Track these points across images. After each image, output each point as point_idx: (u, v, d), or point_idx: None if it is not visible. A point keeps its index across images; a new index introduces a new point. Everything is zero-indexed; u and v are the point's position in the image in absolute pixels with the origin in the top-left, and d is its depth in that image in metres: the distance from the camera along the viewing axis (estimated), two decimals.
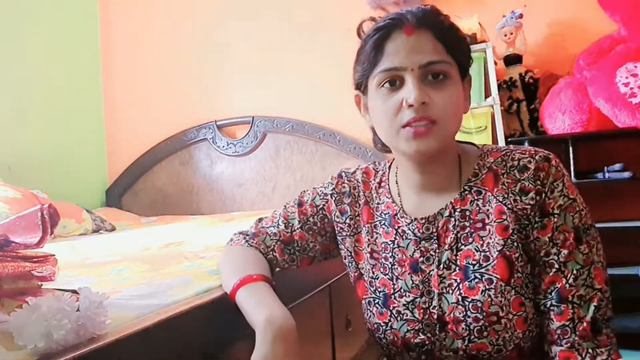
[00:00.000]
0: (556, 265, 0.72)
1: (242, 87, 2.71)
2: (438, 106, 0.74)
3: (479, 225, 0.77)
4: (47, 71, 2.63)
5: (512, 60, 2.15)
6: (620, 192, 2.08)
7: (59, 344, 0.57)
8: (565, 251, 0.72)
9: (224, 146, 2.66)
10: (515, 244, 0.74)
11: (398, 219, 0.84)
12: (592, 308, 0.71)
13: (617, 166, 1.95)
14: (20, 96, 2.47)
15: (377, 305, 0.84)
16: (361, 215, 0.90)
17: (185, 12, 2.83)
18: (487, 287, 0.74)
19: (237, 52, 2.72)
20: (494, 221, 0.76)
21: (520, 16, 2.11)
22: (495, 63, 2.06)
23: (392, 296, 0.82)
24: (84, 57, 2.89)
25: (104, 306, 0.63)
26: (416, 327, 0.79)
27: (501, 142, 1.98)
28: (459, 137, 0.85)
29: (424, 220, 0.81)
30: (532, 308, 0.74)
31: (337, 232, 0.93)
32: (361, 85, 0.82)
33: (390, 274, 0.83)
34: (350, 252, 0.91)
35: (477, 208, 0.78)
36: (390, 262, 0.84)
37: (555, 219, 0.73)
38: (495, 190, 0.77)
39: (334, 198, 0.93)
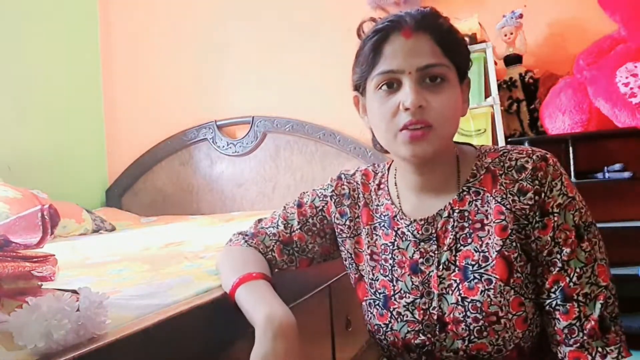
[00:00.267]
0: (559, 264, 0.72)
1: (242, 87, 2.71)
2: (435, 110, 0.74)
3: (478, 225, 0.77)
4: (47, 71, 2.63)
5: (512, 60, 2.15)
6: (620, 192, 2.08)
7: (59, 344, 0.57)
8: (567, 249, 0.72)
9: (224, 146, 2.66)
10: (514, 244, 0.74)
11: (397, 220, 0.84)
12: (598, 306, 0.71)
13: (617, 166, 1.95)
14: (20, 96, 2.47)
15: (377, 306, 0.84)
16: (361, 217, 0.90)
17: (185, 12, 2.83)
18: (486, 287, 0.74)
19: (237, 52, 2.72)
20: (493, 221, 0.76)
21: (520, 16, 2.11)
22: (495, 63, 2.06)
23: (393, 297, 0.82)
24: (84, 57, 2.89)
25: (104, 306, 0.63)
26: (416, 328, 0.79)
27: (501, 142, 1.98)
28: (458, 139, 0.85)
29: (423, 222, 0.81)
30: (532, 308, 0.74)
31: (337, 234, 0.93)
32: (359, 87, 0.82)
33: (390, 276, 0.83)
34: (351, 254, 0.91)
35: (476, 209, 0.78)
36: (390, 264, 0.84)
37: (556, 218, 0.73)
38: (494, 190, 0.77)
39: (333, 200, 0.93)
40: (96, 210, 2.42)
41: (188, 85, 2.82)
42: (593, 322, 0.70)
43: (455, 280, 0.77)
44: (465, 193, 0.79)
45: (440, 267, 0.79)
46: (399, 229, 0.84)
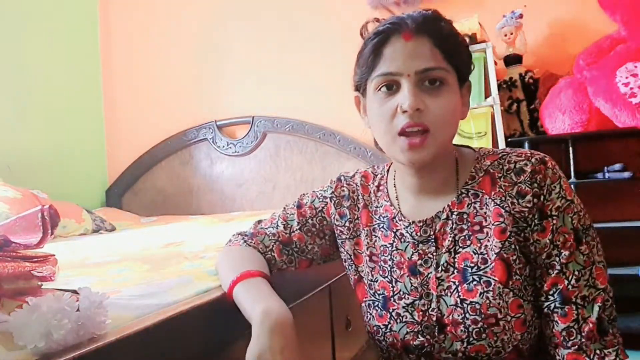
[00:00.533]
0: (557, 267, 0.72)
1: (242, 87, 2.71)
2: (433, 113, 0.74)
3: (477, 228, 0.78)
4: (47, 71, 2.63)
5: (512, 60, 2.15)
6: (620, 192, 2.08)
7: (59, 344, 0.57)
8: (565, 252, 0.72)
9: (224, 146, 2.66)
10: (513, 246, 0.74)
11: (396, 222, 0.85)
12: (596, 308, 0.71)
13: (617, 166, 1.95)
14: (20, 96, 2.47)
15: (376, 307, 0.84)
16: (360, 218, 0.90)
17: (185, 12, 2.83)
18: (485, 289, 0.74)
19: (237, 52, 2.72)
20: (492, 224, 0.76)
21: (520, 16, 2.11)
22: (495, 63, 2.06)
23: (392, 299, 0.82)
24: (84, 57, 2.89)
25: (104, 306, 0.63)
26: (415, 330, 0.79)
27: (501, 143, 1.98)
28: (458, 141, 0.85)
29: (421, 223, 0.81)
30: (530, 310, 0.75)
31: (336, 235, 0.94)
32: (360, 88, 0.83)
33: (389, 277, 0.84)
34: (350, 255, 0.91)
35: (475, 211, 0.78)
36: (389, 265, 0.84)
37: (554, 221, 0.73)
38: (493, 193, 0.77)
39: (333, 201, 0.93)
40: (96, 210, 2.42)
41: (188, 85, 2.82)
42: (591, 325, 0.71)
43: (454, 282, 0.77)
44: (464, 195, 0.80)
45: (439, 268, 0.79)
46: (397, 230, 0.84)
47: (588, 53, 2.01)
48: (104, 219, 2.25)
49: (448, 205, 0.80)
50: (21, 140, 2.46)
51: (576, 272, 0.72)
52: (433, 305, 0.78)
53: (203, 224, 2.09)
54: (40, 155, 2.53)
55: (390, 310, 0.82)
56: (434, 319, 0.78)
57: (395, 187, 0.88)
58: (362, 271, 0.89)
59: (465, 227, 0.78)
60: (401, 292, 0.82)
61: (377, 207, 0.89)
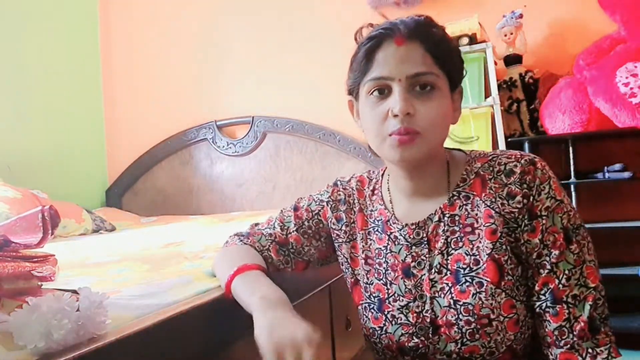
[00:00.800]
0: (548, 267, 0.73)
1: (242, 87, 2.71)
2: (423, 117, 0.75)
3: (469, 229, 0.78)
4: (47, 71, 2.63)
5: (512, 60, 2.15)
6: (620, 192, 2.08)
7: (59, 344, 0.57)
8: (556, 252, 0.73)
9: (224, 146, 2.66)
10: (504, 247, 0.75)
11: (390, 225, 0.86)
12: (587, 307, 0.71)
13: (617, 166, 1.95)
14: (20, 96, 2.47)
15: (372, 310, 0.85)
16: (356, 222, 0.91)
17: (185, 12, 2.83)
18: (477, 290, 0.75)
19: (237, 52, 2.72)
20: (483, 225, 0.77)
21: (520, 16, 2.11)
22: (495, 63, 2.06)
23: (387, 301, 0.83)
24: (84, 57, 2.89)
25: (104, 306, 0.63)
26: (410, 331, 0.80)
27: (501, 143, 1.98)
28: (450, 145, 0.86)
29: (414, 226, 0.82)
30: (523, 310, 0.75)
31: (333, 238, 0.95)
32: (353, 92, 0.84)
33: (384, 279, 0.85)
34: (347, 259, 0.92)
35: (466, 213, 0.79)
36: (384, 268, 0.85)
37: (544, 221, 0.74)
38: (483, 195, 0.78)
39: (329, 205, 0.94)
40: (96, 210, 2.42)
41: (188, 85, 2.82)
42: (582, 324, 0.71)
43: (447, 284, 0.78)
44: (455, 197, 0.81)
45: (432, 270, 0.80)
46: (391, 233, 0.85)
47: (588, 53, 2.01)
48: (104, 219, 2.25)
49: (440, 208, 0.81)
50: (21, 140, 2.46)
51: (567, 272, 0.72)
52: (427, 306, 0.79)
53: (203, 224, 2.09)
54: (40, 155, 2.53)
55: (386, 313, 0.83)
56: (428, 320, 0.79)
57: (389, 190, 0.89)
58: (359, 274, 0.90)
59: (457, 229, 0.79)
60: (396, 294, 0.82)
61: (372, 210, 0.90)
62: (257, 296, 0.73)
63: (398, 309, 0.82)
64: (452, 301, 0.77)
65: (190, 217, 2.45)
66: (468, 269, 0.77)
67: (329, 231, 0.95)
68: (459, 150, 0.87)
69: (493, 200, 0.76)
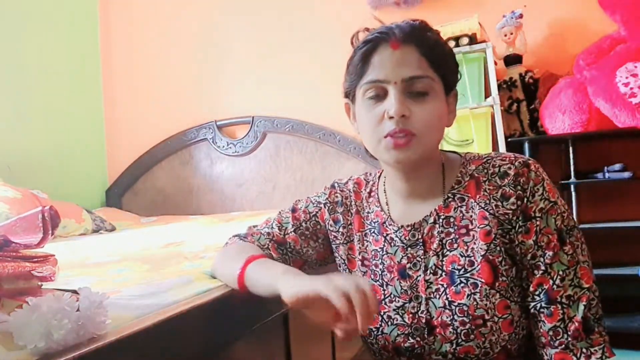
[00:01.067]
0: (542, 267, 0.74)
1: (242, 87, 2.71)
2: (418, 120, 0.76)
3: (463, 231, 0.79)
4: (47, 71, 2.62)
5: (512, 60, 2.15)
6: (620, 192, 2.08)
7: (59, 344, 0.57)
8: (550, 253, 0.74)
9: (224, 146, 2.66)
10: (499, 248, 0.76)
11: (386, 226, 0.86)
12: (581, 307, 0.72)
13: (617, 166, 1.95)
14: (20, 96, 2.47)
15: None
16: (353, 224, 0.92)
17: (185, 12, 2.83)
18: (472, 291, 0.76)
19: (237, 52, 2.72)
20: (478, 227, 0.78)
21: (520, 16, 2.10)
22: (495, 63, 2.06)
23: (383, 301, 0.84)
24: (84, 57, 2.89)
25: (104, 306, 0.64)
26: (406, 332, 0.81)
27: (501, 143, 1.98)
28: (445, 148, 0.88)
29: (410, 227, 0.83)
30: (517, 311, 0.76)
31: (331, 240, 0.95)
32: (349, 95, 0.85)
33: (380, 280, 0.85)
34: (344, 260, 0.93)
35: (461, 214, 0.80)
36: (380, 269, 0.86)
37: (538, 222, 0.74)
38: (478, 196, 0.79)
39: (327, 207, 0.95)
40: (96, 210, 2.42)
41: (188, 85, 2.82)
42: (577, 324, 0.72)
43: (442, 285, 0.79)
44: (450, 199, 0.82)
45: (428, 271, 0.81)
46: (387, 234, 0.86)
47: (588, 53, 2.01)
48: (104, 219, 2.25)
49: (435, 210, 0.82)
50: (21, 140, 2.46)
51: (560, 272, 0.73)
52: (422, 307, 0.80)
53: (203, 224, 2.09)
54: (40, 155, 2.53)
55: (382, 313, 0.84)
56: (424, 321, 0.80)
57: (385, 192, 0.90)
58: (355, 276, 0.90)
59: (452, 230, 0.80)
60: (392, 295, 0.83)
61: (368, 212, 0.91)
62: (280, 270, 0.75)
63: (394, 310, 0.82)
64: (447, 302, 0.78)
65: (190, 217, 2.45)
66: (463, 270, 0.78)
67: (326, 233, 0.95)
68: (454, 152, 0.88)
69: (487, 202, 0.77)
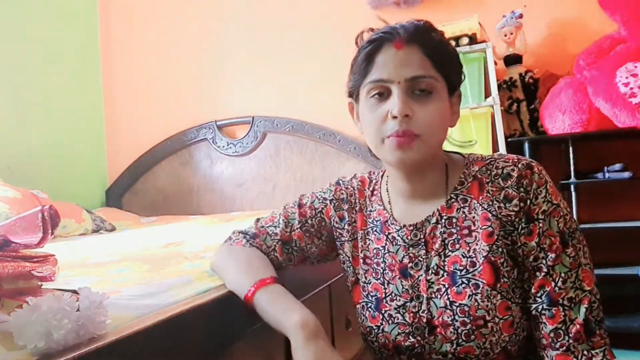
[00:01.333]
0: (544, 269, 0.74)
1: (242, 87, 2.71)
2: (421, 120, 0.77)
3: (466, 231, 0.79)
4: (47, 71, 2.62)
5: (512, 60, 2.15)
6: (620, 192, 2.08)
7: (59, 344, 0.57)
8: (552, 255, 0.74)
9: (224, 146, 2.66)
10: (501, 249, 0.76)
11: (389, 225, 0.87)
12: (583, 310, 0.72)
13: (617, 166, 1.95)
14: (20, 96, 2.47)
15: (369, 309, 0.86)
16: (356, 221, 0.92)
17: (185, 12, 2.83)
18: (473, 291, 0.76)
19: (237, 52, 2.72)
20: (480, 228, 0.78)
21: (520, 16, 2.11)
22: (495, 63, 2.06)
23: (384, 300, 0.84)
24: (84, 57, 2.89)
25: (104, 306, 0.63)
26: (406, 331, 0.81)
27: (501, 143, 1.98)
28: (448, 148, 0.88)
29: (412, 227, 0.83)
30: (518, 312, 0.76)
31: (336, 237, 0.95)
32: (353, 94, 0.85)
33: (381, 279, 0.86)
34: (349, 257, 0.93)
35: (464, 215, 0.80)
36: (382, 267, 0.86)
37: (541, 224, 0.75)
38: (481, 198, 0.79)
39: (333, 204, 0.95)
40: (96, 210, 2.42)
41: (188, 85, 2.82)
42: (578, 326, 0.72)
43: (443, 285, 0.79)
44: (453, 200, 0.82)
45: (429, 271, 0.81)
46: (389, 233, 0.86)
47: (588, 53, 2.01)
48: (104, 219, 2.25)
49: (438, 210, 0.82)
50: (21, 140, 2.45)
51: (562, 275, 0.73)
52: (423, 307, 0.80)
53: (203, 224, 2.09)
54: (40, 155, 2.53)
55: (383, 312, 0.84)
56: (424, 320, 0.80)
57: (387, 192, 0.90)
58: (359, 273, 0.91)
59: (454, 231, 0.80)
60: (393, 294, 0.83)
61: (370, 211, 0.91)
62: (293, 320, 0.75)
63: (395, 309, 0.83)
64: (448, 302, 0.78)
65: (190, 217, 2.45)
66: (464, 270, 0.78)
67: (330, 230, 0.95)
68: (457, 153, 0.88)
69: (490, 203, 0.77)
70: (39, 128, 2.55)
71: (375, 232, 0.89)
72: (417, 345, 0.80)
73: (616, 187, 2.07)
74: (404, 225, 0.84)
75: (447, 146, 0.87)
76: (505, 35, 2.13)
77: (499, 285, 0.75)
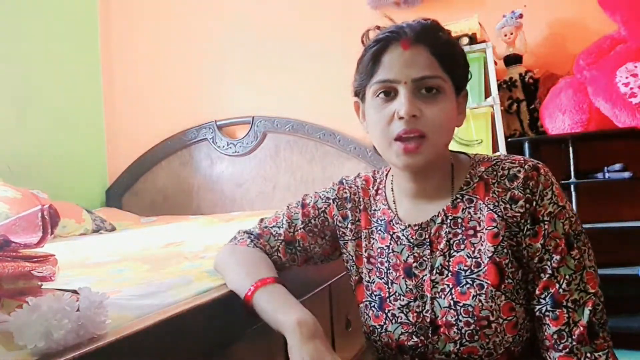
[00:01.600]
0: (549, 271, 0.74)
1: (242, 87, 2.71)
2: (428, 120, 0.76)
3: (471, 232, 0.79)
4: (47, 71, 2.62)
5: (512, 60, 2.15)
6: (620, 192, 2.08)
7: (59, 344, 0.57)
8: (557, 257, 0.74)
9: (224, 146, 2.66)
10: (506, 250, 0.76)
11: (393, 225, 0.86)
12: (587, 312, 0.72)
13: (617, 166, 1.95)
14: (20, 96, 2.47)
15: (373, 308, 0.86)
16: (360, 220, 0.92)
17: (185, 13, 2.83)
18: (478, 292, 0.76)
19: (237, 52, 2.72)
20: (485, 228, 0.78)
21: (520, 16, 2.11)
22: (495, 63, 2.06)
23: (388, 299, 0.84)
24: (84, 57, 2.89)
25: (104, 306, 0.63)
26: (410, 330, 0.81)
27: (501, 143, 1.98)
28: (455, 148, 0.87)
29: (417, 227, 0.83)
30: (522, 313, 0.76)
31: (339, 236, 0.95)
32: (359, 93, 0.85)
33: (385, 278, 0.85)
34: (352, 256, 0.92)
35: (469, 216, 0.80)
36: (386, 267, 0.86)
37: (546, 226, 0.74)
38: (486, 198, 0.79)
39: (336, 203, 0.95)
40: (96, 210, 2.42)
41: (188, 85, 2.82)
42: (582, 328, 0.72)
43: (448, 285, 0.79)
44: (458, 200, 0.81)
45: (434, 271, 0.80)
46: (394, 233, 0.86)
47: (588, 53, 2.01)
48: (104, 219, 2.25)
49: (443, 210, 0.82)
50: (21, 140, 2.45)
51: (567, 277, 0.73)
52: (427, 307, 0.80)
53: (203, 224, 2.09)
54: (40, 155, 2.53)
55: (386, 311, 0.84)
56: (428, 320, 0.80)
57: (392, 191, 0.89)
58: (362, 272, 0.90)
59: (459, 231, 0.80)
60: (397, 294, 0.83)
61: (375, 210, 0.91)
62: (291, 319, 0.74)
63: (398, 308, 0.82)
64: (452, 302, 0.77)
65: (190, 217, 2.45)
66: (469, 271, 0.78)
67: (333, 229, 0.95)
68: (463, 153, 0.88)
69: (496, 204, 0.77)
70: (39, 128, 2.55)
71: (379, 232, 0.88)
72: (420, 345, 0.80)
73: (616, 187, 2.07)
74: (409, 225, 0.84)
75: (453, 145, 0.86)
76: (505, 35, 2.13)
77: (503, 286, 0.75)
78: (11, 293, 0.63)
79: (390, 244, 0.86)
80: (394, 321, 0.83)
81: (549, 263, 0.74)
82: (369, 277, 0.88)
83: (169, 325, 0.74)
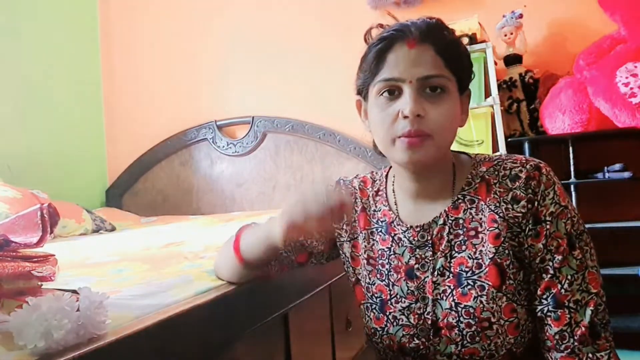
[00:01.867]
0: (551, 271, 0.74)
1: (242, 87, 2.71)
2: (433, 119, 0.76)
3: (472, 233, 0.79)
4: (47, 72, 2.62)
5: (512, 60, 2.15)
6: (620, 192, 2.08)
7: (59, 344, 0.57)
8: (559, 257, 0.73)
9: (224, 146, 2.66)
10: (507, 251, 0.75)
11: (394, 226, 0.86)
12: (588, 312, 0.72)
13: (617, 166, 1.95)
14: (20, 96, 2.47)
15: (374, 310, 0.86)
16: (358, 221, 0.91)
17: (185, 13, 2.83)
18: (479, 293, 0.75)
19: (237, 52, 2.72)
20: (487, 229, 0.77)
21: (520, 16, 2.11)
22: (495, 63, 2.06)
23: (389, 302, 0.84)
24: (84, 57, 2.89)
25: (104, 306, 0.63)
26: (411, 332, 0.81)
27: (501, 143, 1.98)
28: (457, 148, 0.86)
29: (419, 228, 0.83)
30: (524, 314, 0.76)
31: (336, 236, 0.95)
32: (362, 92, 0.84)
33: (386, 280, 0.85)
34: (348, 258, 0.92)
35: (470, 216, 0.79)
36: (387, 269, 0.85)
37: (548, 226, 0.74)
38: (488, 199, 0.78)
39: None
40: (96, 210, 2.42)
41: (188, 85, 2.82)
42: (583, 329, 0.72)
43: (449, 286, 0.78)
44: (460, 201, 0.81)
45: (435, 273, 0.80)
46: (395, 234, 0.85)
47: (588, 53, 2.01)
48: (104, 219, 2.25)
49: (445, 211, 0.81)
50: (21, 141, 2.45)
51: (569, 277, 0.73)
52: (429, 308, 0.80)
53: (203, 224, 2.09)
54: (40, 155, 2.53)
55: (387, 313, 0.83)
56: (430, 322, 0.79)
57: (394, 192, 0.89)
58: (360, 274, 0.90)
59: (461, 232, 0.80)
60: (398, 296, 0.83)
61: (375, 211, 0.90)
62: (265, 223, 0.83)
63: (400, 310, 0.82)
64: (453, 304, 0.77)
65: (190, 217, 2.45)
66: (470, 272, 0.77)
67: (331, 229, 0.94)
68: (464, 153, 0.87)
69: (497, 204, 0.77)
70: (39, 128, 2.55)
71: (380, 233, 0.88)
72: (421, 346, 0.80)
73: (616, 187, 2.07)
74: (411, 227, 0.83)
75: (453, 145, 0.86)
76: (505, 35, 2.13)
77: (504, 287, 0.75)
78: (11, 293, 0.63)
79: (391, 245, 0.85)
80: (395, 323, 0.82)
81: (550, 263, 0.74)
82: (369, 278, 0.88)
83: (169, 325, 0.74)
